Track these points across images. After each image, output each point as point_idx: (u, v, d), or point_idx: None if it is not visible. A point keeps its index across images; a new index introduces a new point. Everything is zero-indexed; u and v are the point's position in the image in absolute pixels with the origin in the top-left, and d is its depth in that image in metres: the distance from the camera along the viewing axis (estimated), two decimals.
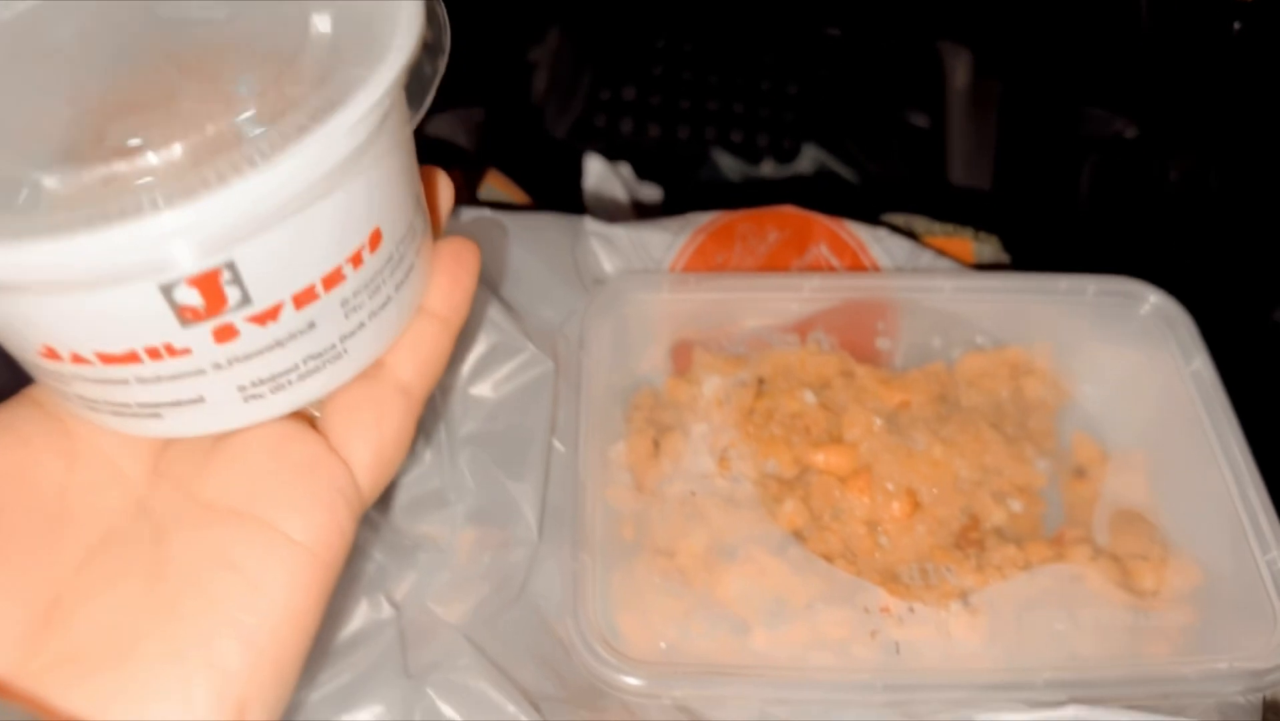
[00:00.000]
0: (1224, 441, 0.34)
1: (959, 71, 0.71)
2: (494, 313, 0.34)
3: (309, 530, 0.22)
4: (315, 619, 0.22)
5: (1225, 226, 0.60)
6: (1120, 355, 0.36)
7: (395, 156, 0.22)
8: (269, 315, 0.21)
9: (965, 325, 0.38)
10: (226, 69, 0.21)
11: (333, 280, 0.21)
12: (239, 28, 0.22)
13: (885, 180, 0.72)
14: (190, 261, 0.19)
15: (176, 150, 0.19)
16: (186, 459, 0.24)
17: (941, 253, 0.41)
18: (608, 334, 0.37)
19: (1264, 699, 0.30)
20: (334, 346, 0.22)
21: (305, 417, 0.25)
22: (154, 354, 0.20)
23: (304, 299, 0.21)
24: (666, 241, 0.40)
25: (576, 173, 0.60)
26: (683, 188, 0.76)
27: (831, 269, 0.40)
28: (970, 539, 0.33)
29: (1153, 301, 0.36)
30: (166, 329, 0.20)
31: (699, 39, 0.79)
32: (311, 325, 0.22)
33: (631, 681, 0.29)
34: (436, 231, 0.27)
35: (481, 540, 0.30)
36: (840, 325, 0.38)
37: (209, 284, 0.19)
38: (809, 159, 0.78)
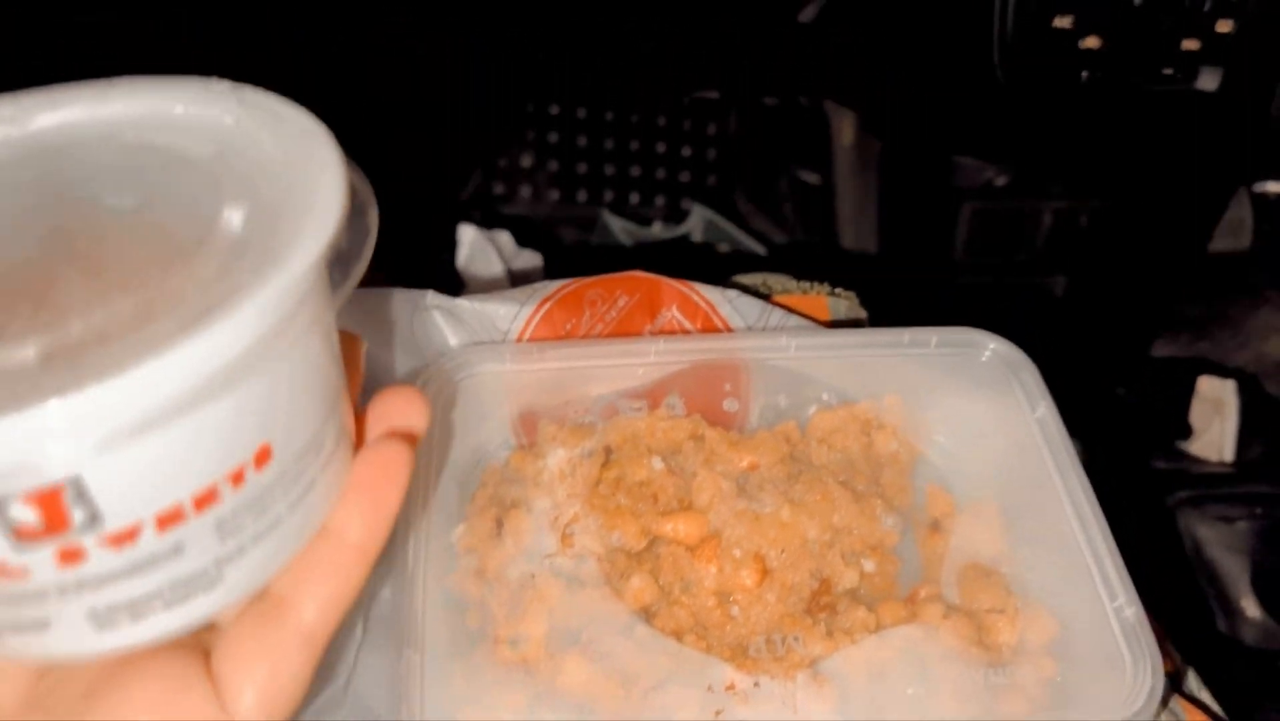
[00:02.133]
0: (1069, 488, 0.33)
1: (844, 131, 0.73)
2: None
3: None
4: None
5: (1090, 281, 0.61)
6: (967, 405, 0.36)
7: (296, 361, 0.20)
8: (125, 537, 0.18)
9: (812, 383, 0.37)
10: (115, 262, 0.19)
11: (206, 500, 0.19)
12: (144, 218, 0.21)
13: (776, 245, 0.73)
14: (25, 476, 0.17)
15: (29, 349, 0.17)
16: (66, 689, 0.21)
17: (793, 310, 0.41)
18: (446, 410, 0.35)
19: None
20: (206, 572, 0.20)
21: (200, 650, 0.22)
22: None
23: (169, 520, 0.19)
24: (513, 312, 0.39)
25: (449, 245, 0.59)
26: (569, 253, 0.76)
27: (685, 332, 0.40)
28: (822, 603, 0.32)
29: (993, 349, 0.36)
30: None
31: (592, 104, 0.81)
32: (178, 549, 0.19)
33: None
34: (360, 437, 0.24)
35: None
36: (689, 389, 0.37)
37: (49, 501, 0.17)
38: (698, 218, 0.79)
